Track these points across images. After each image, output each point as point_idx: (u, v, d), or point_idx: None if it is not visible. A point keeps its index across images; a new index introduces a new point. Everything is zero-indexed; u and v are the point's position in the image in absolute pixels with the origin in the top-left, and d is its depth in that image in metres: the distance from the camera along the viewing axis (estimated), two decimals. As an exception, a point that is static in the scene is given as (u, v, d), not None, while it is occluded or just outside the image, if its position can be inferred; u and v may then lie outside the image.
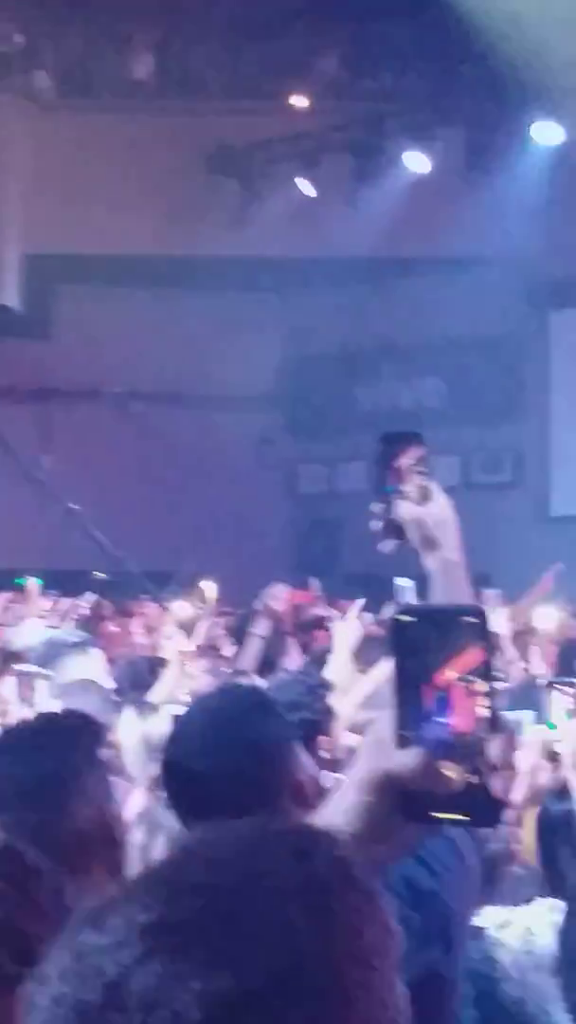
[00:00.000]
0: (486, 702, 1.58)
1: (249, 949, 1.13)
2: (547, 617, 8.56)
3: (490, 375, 18.44)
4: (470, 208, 15.97)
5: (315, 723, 4.62)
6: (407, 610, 1.65)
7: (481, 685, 1.58)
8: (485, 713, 1.58)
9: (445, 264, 17.28)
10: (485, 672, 1.58)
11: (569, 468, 17.91)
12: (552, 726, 4.42)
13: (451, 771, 1.56)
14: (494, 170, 15.88)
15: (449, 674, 1.57)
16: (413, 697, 1.60)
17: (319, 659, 7.25)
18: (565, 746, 4.30)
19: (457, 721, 1.57)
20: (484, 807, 1.58)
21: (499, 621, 7.93)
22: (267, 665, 7.35)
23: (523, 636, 8.28)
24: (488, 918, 3.41)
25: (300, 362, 19.77)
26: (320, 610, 11.09)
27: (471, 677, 1.58)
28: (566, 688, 4.58)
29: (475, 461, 18.81)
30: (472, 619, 1.59)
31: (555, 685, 4.63)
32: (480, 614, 1.61)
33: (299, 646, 8.80)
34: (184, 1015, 1.09)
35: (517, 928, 3.36)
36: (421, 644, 1.60)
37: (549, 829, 3.94)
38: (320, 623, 9.73)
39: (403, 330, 18.62)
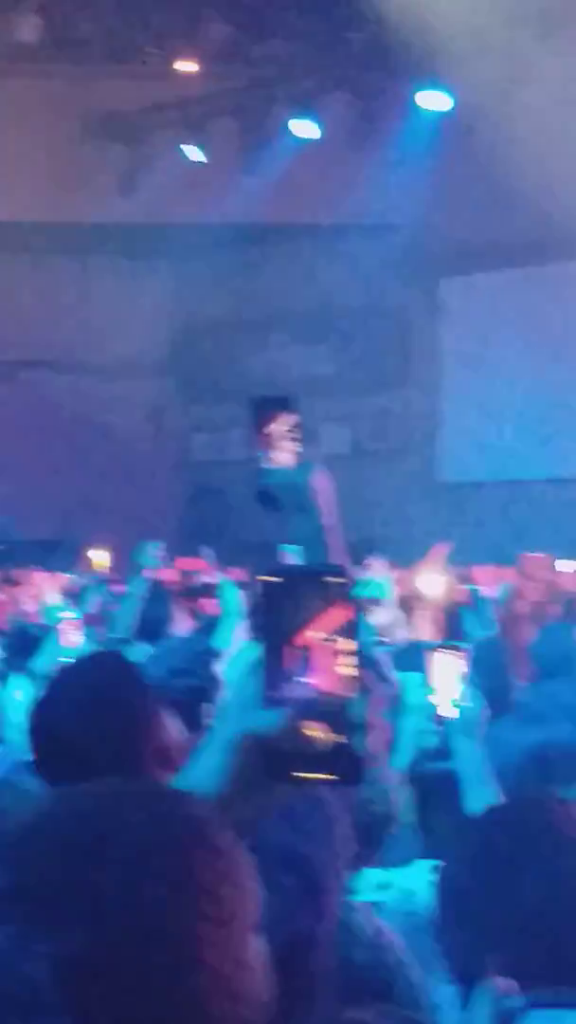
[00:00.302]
0: (350, 661, 1.57)
1: (100, 910, 1.13)
2: (433, 583, 8.62)
3: (379, 342, 18.50)
4: (358, 175, 15.98)
5: (200, 689, 4.62)
6: (272, 571, 1.64)
7: (345, 644, 1.57)
8: (350, 672, 1.57)
9: (334, 231, 17.29)
10: (349, 631, 1.58)
11: (457, 435, 18.04)
12: (432, 690, 4.45)
13: (315, 731, 1.56)
14: (382, 137, 15.89)
15: (311, 634, 1.56)
16: (278, 657, 1.59)
17: (208, 626, 7.24)
18: (448, 708, 4.34)
19: (320, 680, 1.57)
20: (349, 766, 1.58)
21: (386, 586, 7.98)
22: (153, 631, 7.33)
23: (410, 600, 8.33)
24: (368, 880, 3.43)
25: (191, 329, 19.71)
26: (210, 577, 11.06)
27: (334, 636, 1.57)
28: (453, 652, 4.60)
29: (364, 428, 18.90)
30: (336, 579, 1.58)
31: (442, 649, 4.65)
32: (344, 574, 1.61)
33: (188, 613, 8.78)
34: (34, 977, 1.08)
35: (397, 890, 3.39)
36: (286, 604, 1.60)
37: (427, 789, 3.97)
38: (209, 590, 9.70)
39: (293, 297, 18.63)
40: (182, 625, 8.28)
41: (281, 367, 18.77)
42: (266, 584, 1.62)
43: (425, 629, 7.61)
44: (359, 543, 10.99)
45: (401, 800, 3.84)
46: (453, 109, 15.27)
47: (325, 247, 17.56)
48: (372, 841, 3.58)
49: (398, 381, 18.65)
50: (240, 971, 1.16)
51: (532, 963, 1.72)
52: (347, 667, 1.58)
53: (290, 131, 16.43)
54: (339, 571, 1.60)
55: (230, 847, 1.22)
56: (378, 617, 7.34)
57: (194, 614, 8.82)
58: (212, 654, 5.52)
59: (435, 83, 15.08)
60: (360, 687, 1.59)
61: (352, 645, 1.58)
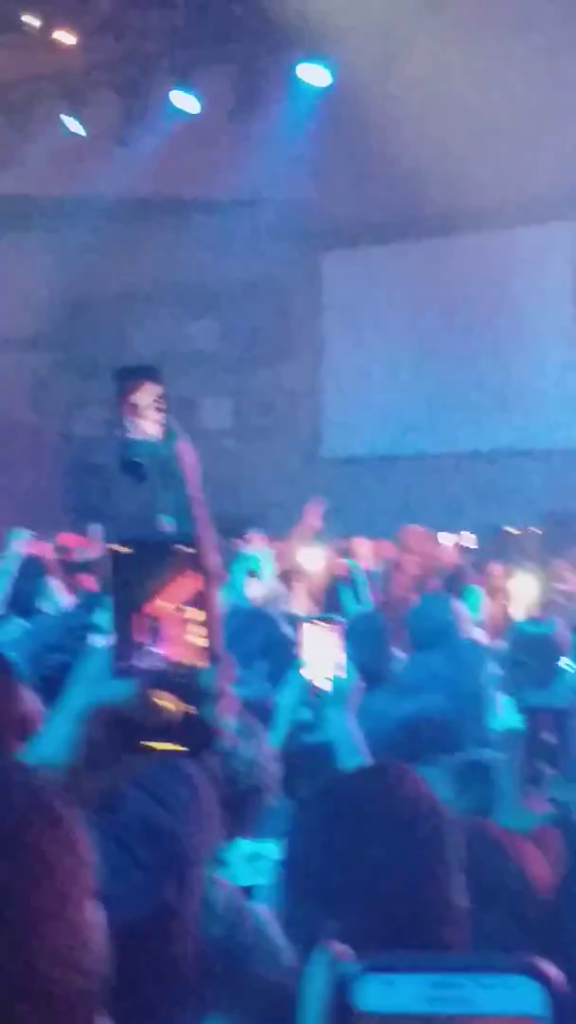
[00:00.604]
0: (200, 631, 1.57)
1: None
2: (312, 557, 8.67)
3: (261, 317, 18.50)
4: (239, 149, 15.93)
5: (73, 665, 4.58)
6: (123, 541, 1.63)
7: (194, 613, 1.57)
8: (200, 641, 1.57)
9: (216, 205, 17.24)
10: (199, 600, 1.57)
11: (340, 410, 18.10)
12: (305, 663, 4.45)
13: (164, 700, 1.55)
14: (262, 112, 15.85)
15: (161, 603, 1.55)
16: (127, 627, 1.58)
17: (89, 602, 7.22)
18: (322, 680, 4.36)
19: (170, 650, 1.56)
20: (198, 736, 1.57)
21: (265, 560, 8.01)
22: (29, 607, 7.32)
23: (290, 575, 8.37)
24: (239, 852, 3.44)
25: (72, 303, 19.54)
26: (92, 553, 11.00)
27: (184, 606, 1.57)
28: (326, 625, 4.62)
29: (248, 403, 18.90)
30: (185, 548, 1.58)
31: (316, 622, 4.66)
32: (194, 543, 1.60)
33: (68, 589, 8.74)
34: None
35: (268, 862, 3.40)
36: (135, 574, 1.59)
37: (301, 761, 3.99)
38: (89, 566, 9.66)
39: (175, 271, 18.55)
40: (63, 601, 8.25)
41: (163, 341, 18.69)
42: (115, 554, 1.61)
43: (303, 602, 7.65)
44: (241, 517, 11.01)
45: (274, 772, 3.86)
46: (333, 84, 15.27)
47: (207, 221, 17.49)
48: (244, 813, 3.60)
49: (281, 356, 18.67)
50: (76, 942, 1.15)
51: (368, 928, 1.74)
52: (197, 636, 1.57)
53: (171, 104, 16.32)
54: (188, 541, 1.59)
55: (68, 817, 1.21)
56: (256, 591, 7.37)
57: (75, 590, 8.78)
58: (89, 630, 5.49)
59: (315, 57, 15.07)
60: (210, 656, 1.58)
61: (202, 615, 1.58)
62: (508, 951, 1.17)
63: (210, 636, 1.59)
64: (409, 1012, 1.07)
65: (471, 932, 2.02)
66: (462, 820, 2.10)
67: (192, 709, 1.56)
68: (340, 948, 1.12)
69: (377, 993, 1.08)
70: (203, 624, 1.58)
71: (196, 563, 1.60)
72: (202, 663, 1.57)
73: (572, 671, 5.44)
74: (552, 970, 1.10)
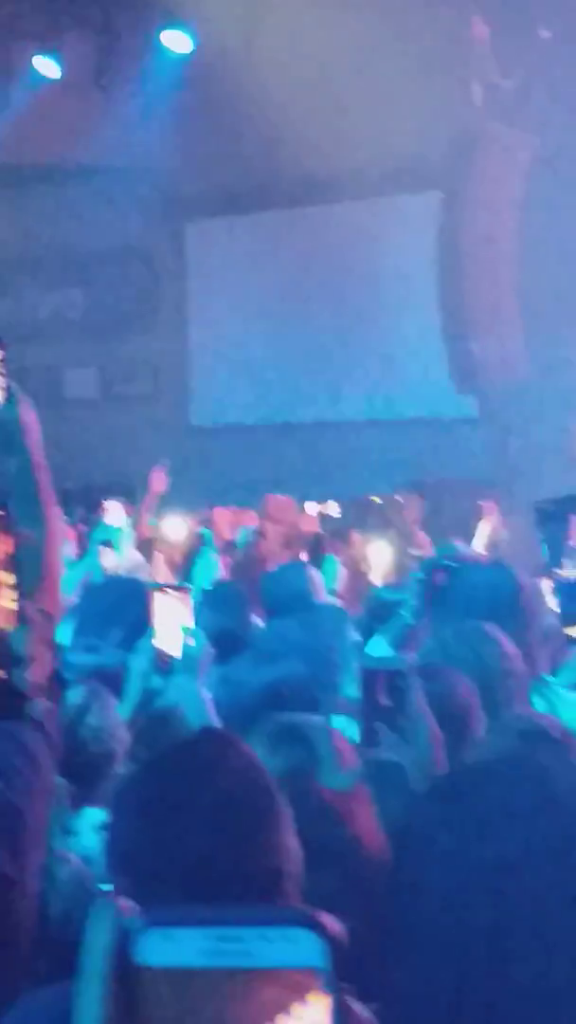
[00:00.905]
0: (10, 594, 1.56)
1: None
2: (174, 527, 8.66)
3: (127, 286, 18.39)
4: (102, 116, 15.76)
5: None
6: None
7: (4, 576, 1.55)
8: (9, 605, 1.56)
9: (79, 173, 17.07)
10: (8, 563, 1.56)
11: (206, 378, 18.06)
12: (154, 631, 4.45)
13: (-27, 666, 1.54)
14: (125, 78, 15.70)
15: (-31, 568, 1.54)
16: None
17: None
18: (172, 648, 4.37)
19: (-21, 615, 1.54)
20: (8, 700, 1.56)
21: (123, 530, 7.98)
22: None
23: (149, 543, 8.35)
24: (87, 820, 3.44)
25: None
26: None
27: (-7, 570, 1.55)
28: (175, 592, 4.62)
29: (114, 372, 18.79)
30: (-6, 512, 1.56)
31: (165, 590, 4.67)
32: (2, 507, 1.59)
33: None
34: None
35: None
36: (-56, 540, 1.57)
37: (151, 729, 3.99)
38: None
39: (38, 239, 18.36)
40: None
41: (27, 310, 18.52)
42: None
43: (162, 572, 7.64)
44: (106, 487, 10.96)
45: (122, 739, 3.85)
46: (195, 51, 15.17)
47: (69, 188, 17.33)
48: (91, 781, 3.59)
49: (146, 325, 18.58)
50: None
51: (196, 900, 1.74)
52: (6, 600, 1.56)
53: (33, 69, 16.09)
54: (-3, 504, 1.58)
55: None
56: (111, 561, 7.34)
57: None
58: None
59: (177, 23, 14.95)
60: (21, 620, 1.57)
61: (11, 578, 1.56)
62: (342, 912, 1.18)
63: (21, 599, 1.58)
64: (189, 966, 1.08)
65: (305, 897, 2.02)
66: (286, 784, 2.09)
67: (2, 674, 1.55)
68: (123, 902, 1.12)
69: (158, 948, 1.09)
70: (13, 587, 1.56)
71: (5, 526, 1.59)
72: (12, 627, 1.56)
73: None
74: (332, 923, 1.11)
